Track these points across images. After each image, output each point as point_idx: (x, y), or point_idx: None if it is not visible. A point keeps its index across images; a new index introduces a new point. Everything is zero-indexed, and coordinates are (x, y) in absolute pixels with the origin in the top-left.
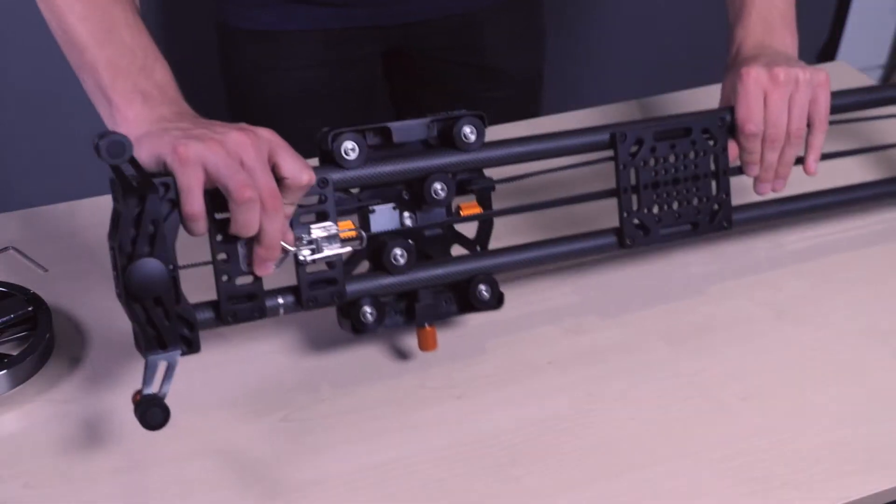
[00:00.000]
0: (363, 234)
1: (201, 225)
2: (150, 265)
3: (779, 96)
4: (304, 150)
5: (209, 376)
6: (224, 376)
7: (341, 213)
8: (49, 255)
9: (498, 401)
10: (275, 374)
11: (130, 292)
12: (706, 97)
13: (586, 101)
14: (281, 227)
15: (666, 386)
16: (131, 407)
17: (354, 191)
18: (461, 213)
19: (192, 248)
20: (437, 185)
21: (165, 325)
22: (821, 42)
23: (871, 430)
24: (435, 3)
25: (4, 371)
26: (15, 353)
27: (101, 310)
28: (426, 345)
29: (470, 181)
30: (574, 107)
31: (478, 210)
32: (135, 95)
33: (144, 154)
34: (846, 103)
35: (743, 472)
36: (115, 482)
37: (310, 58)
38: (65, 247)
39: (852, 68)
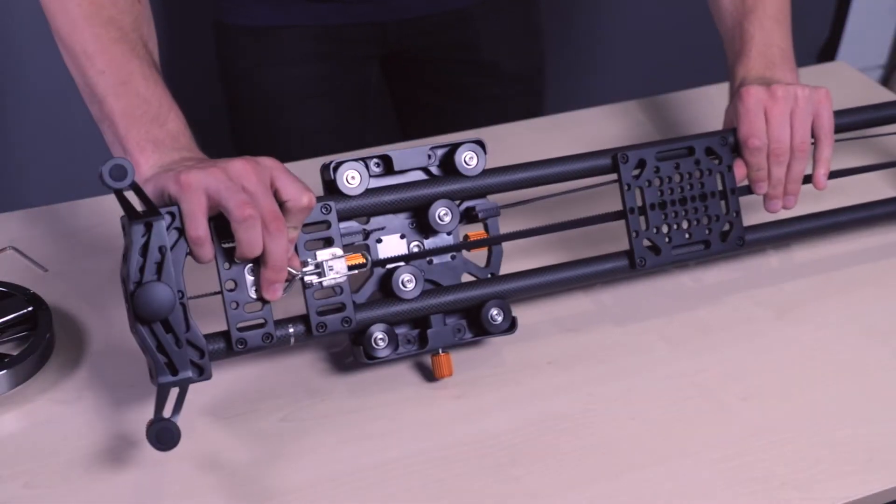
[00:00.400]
0: (368, 256)
1: (207, 250)
2: (158, 288)
3: (779, 111)
4: (301, 148)
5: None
6: (224, 376)
7: (349, 247)
8: (49, 255)
9: (498, 401)
10: (275, 374)
11: (138, 315)
12: (706, 97)
13: (585, 100)
14: (285, 247)
15: (666, 386)
16: (131, 407)
17: (361, 225)
18: (469, 240)
19: (203, 284)
20: (441, 211)
21: (176, 351)
22: (821, 42)
23: (871, 430)
24: (431, 0)
25: (4, 371)
26: (15, 353)
27: (101, 310)
28: (441, 371)
29: (475, 208)
30: (573, 107)
31: (485, 237)
32: (147, 144)
33: (150, 190)
34: (853, 122)
35: (743, 472)
36: (115, 482)
37: (306, 54)
38: (65, 247)
39: (852, 68)
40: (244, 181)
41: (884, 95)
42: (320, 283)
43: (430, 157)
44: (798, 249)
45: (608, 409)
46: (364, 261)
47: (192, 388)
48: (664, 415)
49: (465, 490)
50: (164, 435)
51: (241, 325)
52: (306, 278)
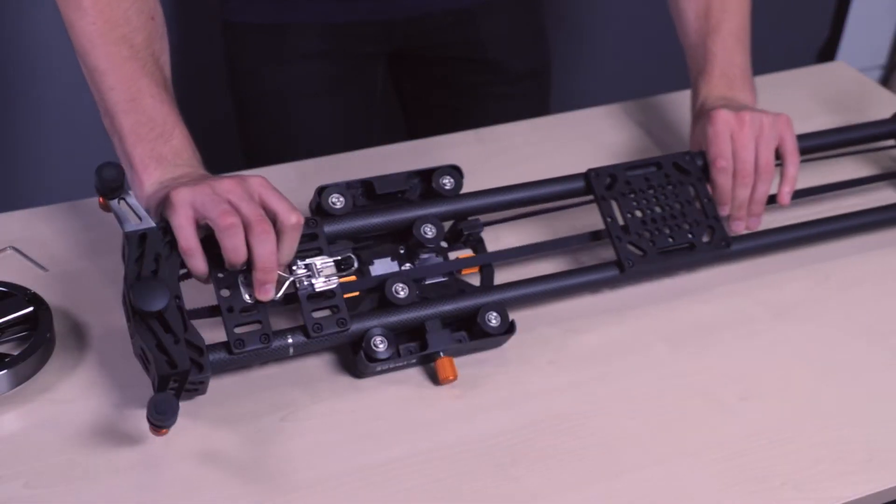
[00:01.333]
0: (353, 258)
1: (199, 261)
2: (152, 283)
3: (745, 135)
4: (307, 146)
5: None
6: (224, 377)
7: (341, 270)
8: (49, 255)
9: (498, 401)
10: (275, 374)
11: (135, 308)
12: None
13: (587, 101)
14: (271, 249)
15: (666, 386)
16: (131, 407)
17: (352, 247)
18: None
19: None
20: (426, 227)
21: (174, 347)
22: (821, 42)
23: (871, 430)
24: None
25: (5, 371)
26: (15, 352)
27: (101, 310)
28: (445, 373)
29: (458, 226)
30: (574, 106)
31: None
32: (150, 161)
33: (150, 212)
34: (814, 145)
35: (743, 472)
36: (115, 482)
37: (313, 52)
38: (65, 247)
39: (852, 68)
40: (230, 195)
41: (883, 95)
42: (312, 285)
43: (409, 183)
44: (797, 249)
45: (608, 409)
46: (353, 266)
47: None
48: (664, 415)
49: (465, 490)
50: (162, 405)
51: (238, 328)
52: (298, 282)
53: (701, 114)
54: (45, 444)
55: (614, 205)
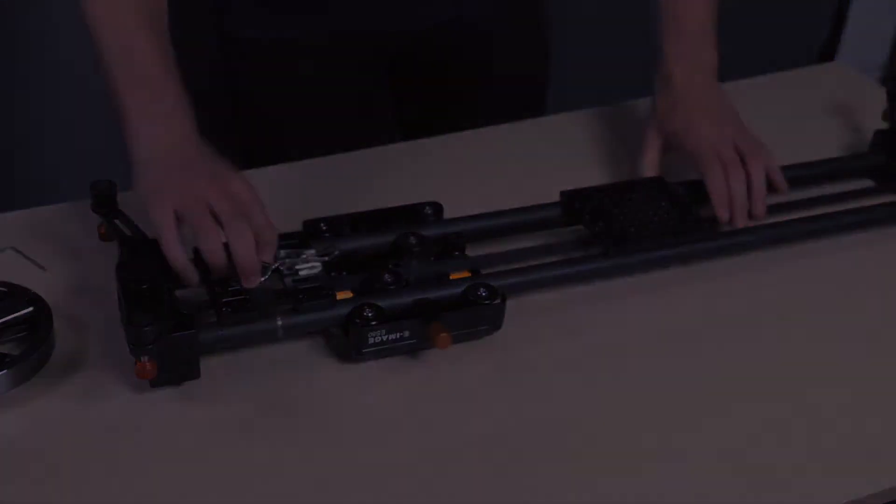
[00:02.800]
0: (335, 245)
1: (191, 274)
2: (140, 260)
3: (727, 136)
4: (307, 149)
5: (209, 377)
6: (224, 377)
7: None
8: (49, 255)
9: (498, 401)
10: (274, 374)
11: (124, 280)
12: None
13: (581, 101)
14: (249, 245)
15: (665, 385)
16: (131, 407)
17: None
18: (450, 277)
19: None
20: (411, 238)
21: (163, 309)
22: (821, 42)
23: (872, 430)
24: (439, 9)
25: (5, 371)
26: (15, 353)
27: (101, 309)
28: (437, 332)
29: (447, 241)
30: (569, 107)
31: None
32: (144, 119)
33: (136, 187)
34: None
35: (743, 471)
36: (115, 482)
37: (312, 61)
38: (65, 247)
39: (852, 68)
40: (209, 198)
41: (883, 95)
42: (296, 271)
43: (392, 217)
44: (798, 248)
45: (608, 408)
46: (335, 252)
47: (191, 389)
48: (664, 415)
49: (465, 490)
50: (137, 319)
51: (226, 300)
52: (283, 268)
53: (668, 93)
54: (45, 444)
55: (591, 213)
